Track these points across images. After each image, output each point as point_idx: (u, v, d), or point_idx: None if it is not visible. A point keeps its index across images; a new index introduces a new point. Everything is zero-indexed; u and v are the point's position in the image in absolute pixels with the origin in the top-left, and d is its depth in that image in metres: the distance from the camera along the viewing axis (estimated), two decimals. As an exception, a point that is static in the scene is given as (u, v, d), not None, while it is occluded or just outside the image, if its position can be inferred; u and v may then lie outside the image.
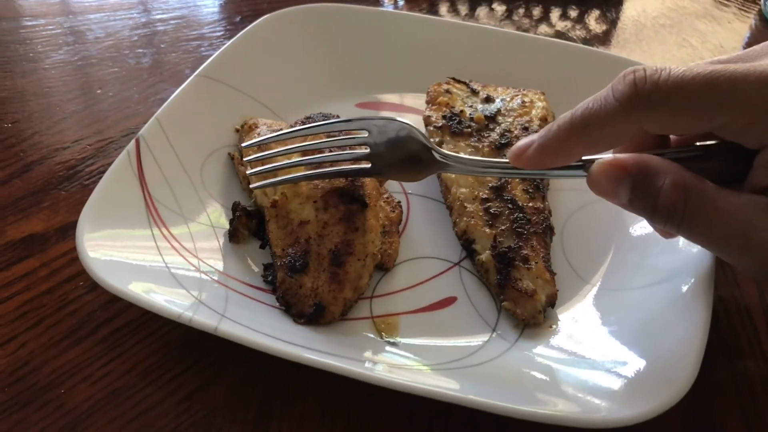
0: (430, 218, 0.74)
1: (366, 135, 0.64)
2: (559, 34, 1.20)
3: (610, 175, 0.53)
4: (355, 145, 0.65)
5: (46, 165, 0.79)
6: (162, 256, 0.64)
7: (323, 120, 0.73)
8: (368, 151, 0.64)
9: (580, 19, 1.27)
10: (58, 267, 0.68)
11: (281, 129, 0.76)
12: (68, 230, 0.71)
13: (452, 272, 0.69)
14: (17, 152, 0.80)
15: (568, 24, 1.25)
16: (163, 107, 0.75)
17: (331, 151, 0.67)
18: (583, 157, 0.55)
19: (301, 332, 0.60)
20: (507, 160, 0.58)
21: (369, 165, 0.64)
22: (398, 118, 0.63)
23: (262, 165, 0.69)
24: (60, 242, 0.70)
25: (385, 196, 0.71)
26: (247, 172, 0.70)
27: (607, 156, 0.54)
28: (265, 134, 0.76)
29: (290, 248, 0.66)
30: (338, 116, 0.78)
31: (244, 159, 0.73)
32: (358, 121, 0.64)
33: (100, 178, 0.71)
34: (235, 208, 0.71)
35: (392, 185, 0.77)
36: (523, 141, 0.56)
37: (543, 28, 1.23)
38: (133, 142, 0.71)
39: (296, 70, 0.88)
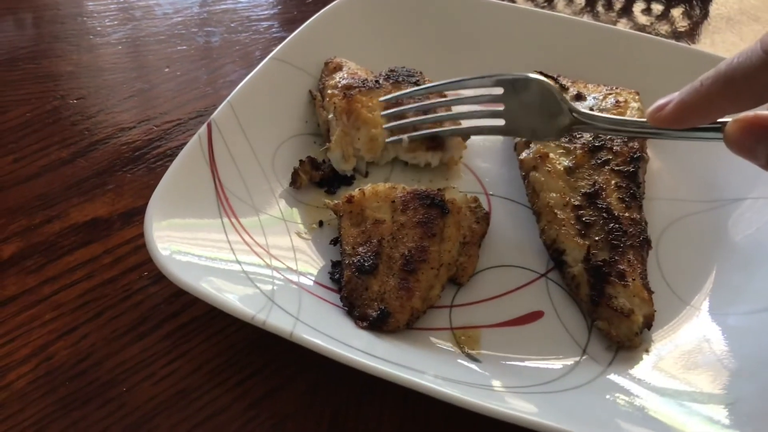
0: (514, 223, 0.69)
1: (501, 91, 0.62)
2: (641, 29, 1.13)
3: (749, 132, 0.48)
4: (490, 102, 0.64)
5: (112, 145, 0.76)
6: (233, 251, 0.60)
7: (407, 73, 0.74)
8: (503, 107, 0.62)
9: (665, 14, 1.20)
10: (122, 255, 0.65)
11: (365, 75, 0.76)
12: (133, 215, 0.68)
13: (538, 284, 0.64)
14: (82, 130, 0.77)
15: (652, 19, 1.17)
16: (236, 91, 0.71)
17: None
18: (723, 120, 0.51)
19: (379, 342, 0.56)
20: (643, 119, 0.55)
21: (503, 122, 0.62)
22: (534, 75, 0.61)
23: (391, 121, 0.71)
24: (124, 228, 0.67)
25: (473, 204, 0.66)
26: (385, 126, 0.71)
27: (748, 113, 0.49)
28: (350, 76, 0.75)
29: (361, 247, 0.61)
30: (421, 72, 0.77)
31: (382, 113, 0.71)
32: (495, 77, 0.63)
33: (167, 161, 0.68)
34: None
35: (472, 184, 0.72)
36: (662, 99, 0.53)
37: (625, 21, 1.16)
38: (204, 126, 0.67)
39: (371, 55, 0.83)
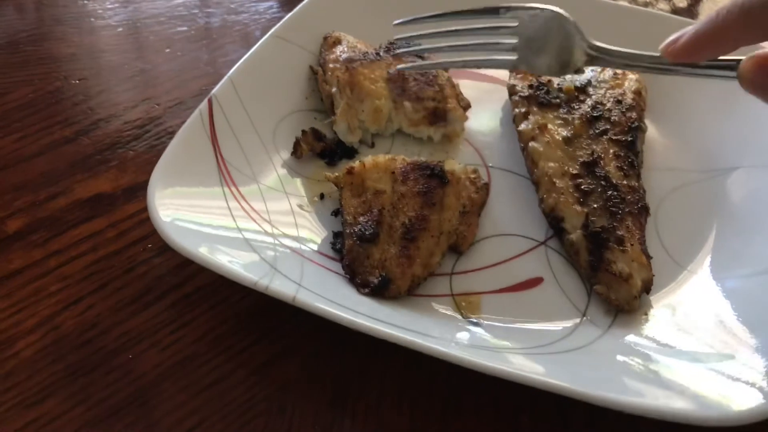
0: (513, 193, 0.70)
1: (515, 24, 0.60)
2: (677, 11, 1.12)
3: (764, 68, 0.48)
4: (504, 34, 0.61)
5: (114, 123, 0.76)
6: (235, 220, 0.61)
7: (406, 47, 0.73)
8: (516, 41, 0.60)
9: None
10: (126, 228, 0.65)
11: (365, 48, 0.77)
12: (136, 191, 0.69)
13: (538, 251, 0.65)
14: (85, 109, 0.78)
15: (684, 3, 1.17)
16: (236, 67, 0.72)
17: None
18: (736, 57, 0.51)
19: (381, 307, 0.57)
20: (656, 53, 0.53)
21: (515, 56, 0.61)
22: (551, 7, 0.60)
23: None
24: (128, 203, 0.68)
25: (473, 175, 0.66)
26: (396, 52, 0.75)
27: (764, 50, 0.49)
28: (350, 50, 0.77)
29: (362, 217, 0.62)
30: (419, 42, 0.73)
31: (395, 37, 0.69)
32: (510, 10, 0.61)
33: (169, 138, 0.69)
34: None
35: (471, 157, 0.73)
36: (676, 33, 0.52)
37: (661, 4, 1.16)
38: (205, 101, 0.68)
39: (372, 32, 0.83)
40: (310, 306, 0.52)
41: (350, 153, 0.73)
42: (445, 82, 0.76)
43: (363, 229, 0.61)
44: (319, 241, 0.64)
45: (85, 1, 0.95)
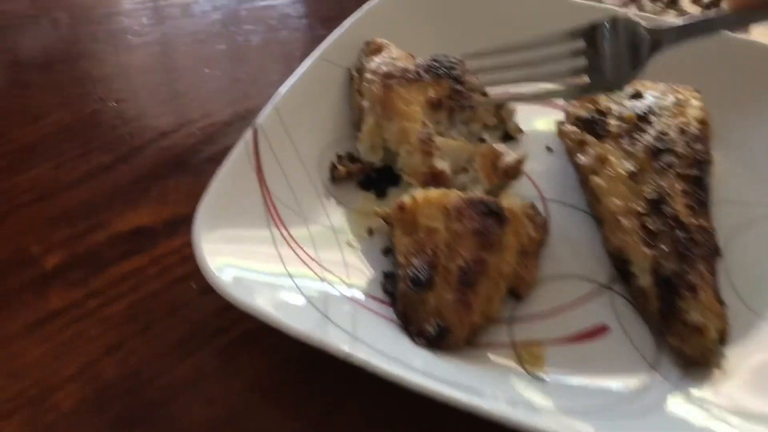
0: (573, 229, 0.66)
1: (582, 44, 0.59)
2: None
3: None
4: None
5: (153, 150, 0.74)
6: (283, 262, 0.58)
7: (449, 63, 0.71)
8: (586, 62, 0.59)
9: (715, 3, 1.15)
10: (168, 265, 0.63)
11: (406, 63, 0.73)
12: (178, 224, 0.66)
13: (602, 295, 0.61)
14: (123, 135, 0.75)
15: (701, 9, 1.12)
16: (282, 94, 0.69)
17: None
18: None
19: (438, 360, 0.54)
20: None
21: (587, 79, 0.59)
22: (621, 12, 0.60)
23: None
24: (170, 237, 0.65)
25: (530, 211, 0.63)
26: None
27: None
28: (391, 63, 0.73)
29: (415, 258, 0.59)
30: (463, 62, 0.73)
31: (473, 66, 0.68)
32: (572, 30, 0.60)
33: (210, 167, 0.66)
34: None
35: (525, 187, 0.69)
36: None
37: (674, 14, 1.11)
38: (249, 132, 0.65)
39: (424, 52, 0.79)
40: (366, 363, 0.49)
41: (395, 179, 0.70)
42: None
43: (417, 273, 0.57)
44: (369, 282, 0.61)
45: (121, 17, 0.93)
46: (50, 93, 0.80)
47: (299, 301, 0.55)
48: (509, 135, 0.75)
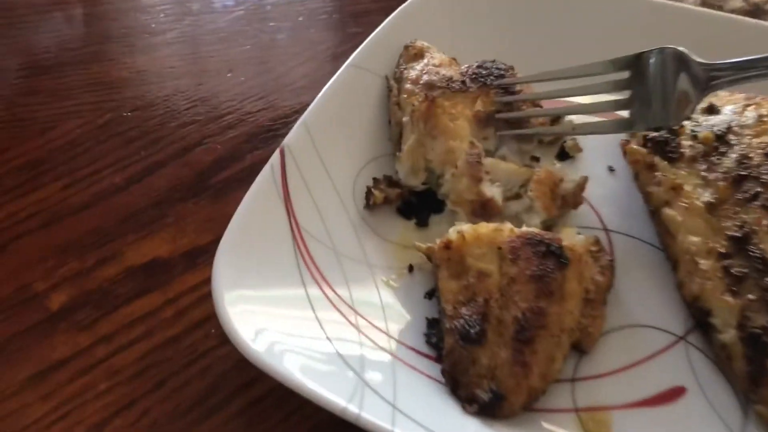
0: (642, 269, 0.58)
1: (627, 75, 0.56)
2: (754, 12, 0.97)
3: None
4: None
5: (171, 168, 0.67)
6: (314, 311, 0.51)
7: (497, 72, 0.65)
8: (628, 96, 0.56)
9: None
10: (186, 306, 0.56)
11: (450, 71, 0.65)
12: (197, 256, 0.60)
13: (677, 350, 0.53)
14: (138, 149, 0.68)
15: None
16: (312, 109, 0.61)
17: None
18: None
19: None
20: None
21: (627, 113, 0.56)
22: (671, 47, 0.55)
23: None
24: (187, 272, 0.59)
25: (594, 248, 0.55)
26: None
27: None
28: (434, 72, 0.65)
29: (464, 308, 0.51)
30: (512, 68, 0.67)
31: (498, 99, 0.64)
32: (617, 60, 0.57)
33: (233, 187, 0.60)
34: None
35: (586, 217, 0.61)
36: None
37: (739, 5, 1.01)
38: (276, 153, 0.58)
39: (466, 55, 0.71)
40: (411, 442, 0.42)
41: (438, 206, 0.62)
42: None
43: (467, 326, 0.50)
44: (410, 331, 0.54)
45: (138, 14, 0.85)
46: (61, 101, 0.73)
47: (332, 361, 0.48)
48: (566, 153, 0.66)
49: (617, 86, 0.58)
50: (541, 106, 0.66)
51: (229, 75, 0.77)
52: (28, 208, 0.63)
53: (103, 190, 0.65)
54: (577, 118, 0.64)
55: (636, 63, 0.56)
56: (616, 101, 0.59)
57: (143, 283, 0.58)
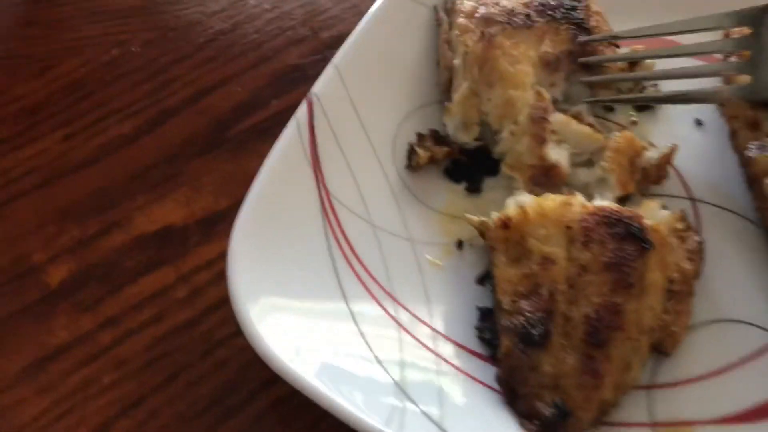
0: (736, 251, 0.49)
1: (749, 34, 0.48)
2: None
3: None
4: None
5: (186, 115, 0.58)
6: (347, 302, 0.44)
7: (569, 1, 0.55)
8: (750, 57, 0.48)
9: None
10: (201, 285, 0.49)
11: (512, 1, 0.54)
12: (215, 224, 0.52)
13: (780, 352, 0.45)
14: (148, 92, 0.60)
15: None
16: (344, 48, 0.52)
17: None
18: None
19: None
20: None
21: (749, 78, 0.48)
22: None
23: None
24: (204, 242, 0.51)
25: (680, 225, 0.46)
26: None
27: None
28: (493, 2, 0.54)
29: (524, 300, 0.43)
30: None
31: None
32: (736, 13, 0.48)
33: (256, 140, 0.53)
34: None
35: (670, 184, 0.52)
36: None
37: None
38: (303, 105, 0.49)
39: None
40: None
41: (494, 167, 0.53)
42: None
43: (528, 325, 0.42)
44: (458, 322, 0.46)
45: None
46: (60, 34, 0.64)
47: (368, 368, 0.41)
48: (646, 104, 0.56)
49: (737, 44, 0.49)
50: (618, 47, 0.55)
51: (252, 2, 0.67)
52: (23, 163, 0.55)
53: (108, 142, 0.57)
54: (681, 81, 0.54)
55: (761, 17, 0.47)
56: (734, 64, 0.49)
57: (154, 256, 0.51)
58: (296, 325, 0.41)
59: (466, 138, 0.53)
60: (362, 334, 0.42)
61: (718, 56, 0.52)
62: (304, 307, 0.42)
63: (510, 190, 0.50)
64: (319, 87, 0.50)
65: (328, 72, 0.51)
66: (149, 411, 0.44)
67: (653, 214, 0.46)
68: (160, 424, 0.44)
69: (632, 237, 0.43)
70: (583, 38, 0.53)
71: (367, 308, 0.44)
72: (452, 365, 0.43)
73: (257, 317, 0.39)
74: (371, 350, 0.42)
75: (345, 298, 0.44)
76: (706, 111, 0.54)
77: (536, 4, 0.55)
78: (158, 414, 0.44)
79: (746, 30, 0.48)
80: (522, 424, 0.41)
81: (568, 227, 0.44)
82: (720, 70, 0.50)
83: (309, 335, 0.41)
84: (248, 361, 0.45)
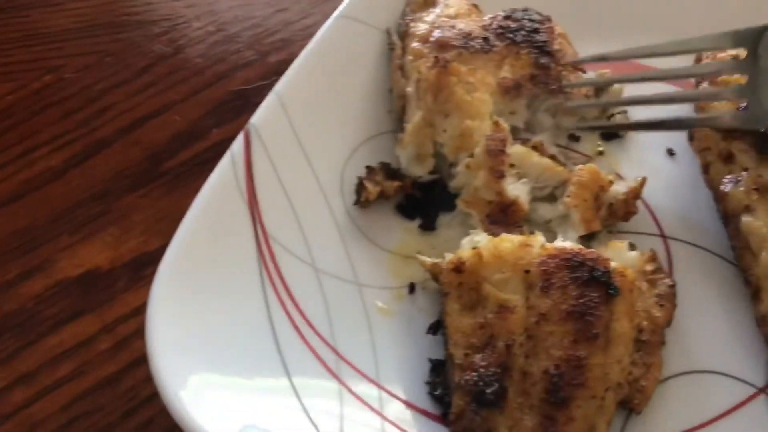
0: (711, 292, 0.45)
1: (744, 56, 0.44)
2: None
3: None
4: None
5: (119, 146, 0.55)
6: (283, 361, 0.40)
7: (530, 25, 0.52)
8: (744, 82, 0.44)
9: None
10: (126, 336, 0.46)
11: (469, 25, 0.52)
12: (143, 267, 0.48)
13: (756, 406, 0.41)
14: (81, 121, 0.56)
15: None
16: (287, 75, 0.48)
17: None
18: None
19: None
20: None
21: (744, 106, 0.45)
22: None
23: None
24: (130, 288, 0.48)
25: (649, 268, 0.42)
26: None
27: None
28: (448, 25, 0.51)
29: (479, 355, 0.39)
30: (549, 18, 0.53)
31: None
32: (730, 33, 0.45)
33: (194, 174, 0.49)
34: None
35: (640, 220, 0.48)
36: None
37: None
38: (240, 137, 0.45)
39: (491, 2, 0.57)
40: None
41: (449, 203, 0.49)
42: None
43: (481, 382, 0.38)
44: (407, 376, 0.42)
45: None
46: (-12, 58, 0.60)
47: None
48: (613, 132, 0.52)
49: (731, 68, 0.46)
50: (584, 71, 0.52)
51: (197, 24, 0.62)
52: (-63, 201, 0.51)
53: (35, 177, 0.53)
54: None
55: (757, 38, 0.44)
56: (730, 89, 0.46)
57: (76, 303, 0.47)
58: (233, 404, 0.36)
59: (420, 171, 0.49)
60: (301, 404, 0.38)
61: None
62: (240, 382, 0.38)
63: (467, 227, 0.46)
64: (257, 117, 0.46)
65: (269, 100, 0.47)
66: (64, 483, 0.39)
67: (620, 255, 0.43)
68: (74, 499, 0.39)
69: (597, 282, 0.40)
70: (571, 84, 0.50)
71: (307, 372, 0.40)
72: (397, 426, 0.39)
73: (189, 401, 0.35)
74: (309, 418, 0.37)
75: (284, 364, 0.40)
76: (680, 140, 0.51)
77: (495, 26, 0.51)
78: (74, 487, 0.39)
79: (742, 51, 0.45)
80: (477, 492, 0.37)
81: (527, 271, 0.40)
82: (719, 94, 0.47)
83: (247, 413, 0.36)
84: (174, 423, 0.41)
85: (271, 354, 0.39)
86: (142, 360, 0.43)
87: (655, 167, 0.50)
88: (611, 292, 0.39)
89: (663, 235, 0.48)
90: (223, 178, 0.44)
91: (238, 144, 0.45)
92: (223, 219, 0.42)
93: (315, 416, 0.37)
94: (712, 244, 0.47)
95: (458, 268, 0.41)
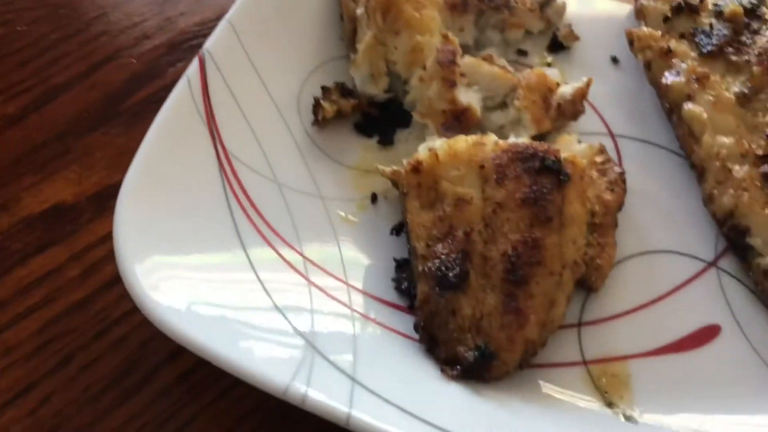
0: (660, 181, 0.47)
1: None
2: None
3: None
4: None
5: (75, 91, 0.55)
6: (252, 266, 0.40)
7: None
8: None
9: None
10: (95, 261, 0.46)
11: None
12: (108, 199, 0.48)
13: (707, 278, 0.43)
14: (36, 70, 0.56)
15: None
16: (239, 3, 0.49)
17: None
18: None
19: (481, 404, 0.37)
20: None
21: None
22: None
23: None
24: (96, 219, 0.48)
25: (599, 159, 0.44)
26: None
27: None
28: None
29: (440, 244, 0.41)
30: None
31: None
32: None
33: (152, 110, 0.48)
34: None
35: (588, 122, 0.50)
36: None
37: None
38: (194, 62, 0.45)
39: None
40: (373, 428, 0.32)
41: (405, 119, 0.50)
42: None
43: (444, 268, 0.40)
44: (374, 275, 0.43)
45: None
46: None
47: (274, 325, 0.37)
48: (560, 43, 0.54)
49: None
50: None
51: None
52: None
53: (-7, 124, 0.52)
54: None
55: None
56: None
57: (43, 236, 0.47)
58: (190, 281, 0.37)
59: (375, 90, 0.50)
60: (267, 292, 0.39)
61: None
62: (199, 261, 0.39)
63: (423, 140, 0.47)
64: (211, 43, 0.47)
65: (222, 27, 0.48)
66: (41, 397, 0.40)
67: (570, 147, 0.45)
68: (53, 411, 0.40)
69: (548, 170, 0.41)
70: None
71: (271, 264, 0.41)
72: (367, 318, 0.40)
73: (144, 275, 0.36)
74: (276, 306, 0.38)
75: (249, 260, 0.41)
76: (623, 47, 0.53)
77: None
78: (51, 400, 0.40)
79: None
80: (443, 372, 0.38)
81: (482, 166, 0.42)
82: None
83: (204, 291, 0.37)
84: (148, 337, 0.42)
85: (236, 252, 0.40)
86: (111, 283, 0.44)
87: (600, 74, 0.52)
88: (562, 178, 0.41)
89: (611, 133, 0.50)
90: (180, 99, 0.44)
91: (193, 68, 0.45)
92: (183, 136, 0.43)
93: (275, 293, 0.39)
94: (659, 138, 0.49)
95: (416, 168, 0.43)
